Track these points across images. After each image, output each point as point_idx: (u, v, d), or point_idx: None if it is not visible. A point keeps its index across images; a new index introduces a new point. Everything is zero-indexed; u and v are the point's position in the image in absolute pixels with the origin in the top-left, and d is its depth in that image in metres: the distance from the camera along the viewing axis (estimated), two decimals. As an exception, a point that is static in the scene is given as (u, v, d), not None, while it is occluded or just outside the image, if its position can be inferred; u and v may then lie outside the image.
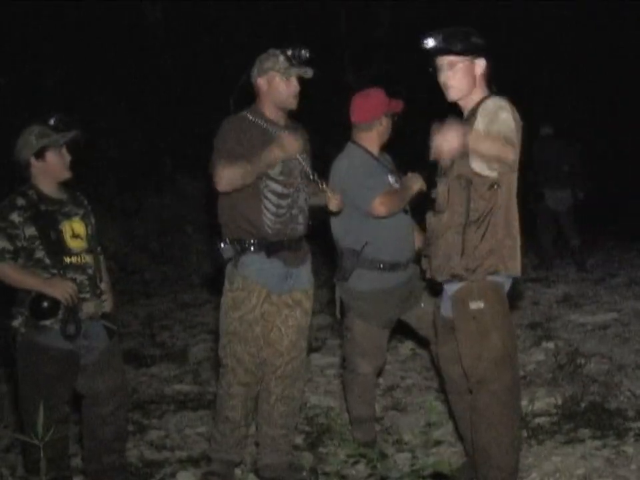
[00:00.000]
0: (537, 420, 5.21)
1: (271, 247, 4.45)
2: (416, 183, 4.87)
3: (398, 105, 4.96)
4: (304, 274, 4.64)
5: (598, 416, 5.12)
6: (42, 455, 3.56)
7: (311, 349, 7.84)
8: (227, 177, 4.29)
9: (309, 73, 4.51)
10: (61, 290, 4.26)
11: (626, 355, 6.69)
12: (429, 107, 4.13)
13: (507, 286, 4.04)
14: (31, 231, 4.28)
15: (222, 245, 4.47)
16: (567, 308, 8.73)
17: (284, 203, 4.48)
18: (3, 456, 5.31)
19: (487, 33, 4.02)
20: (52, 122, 4.41)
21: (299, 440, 5.31)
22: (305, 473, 4.77)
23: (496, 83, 4.03)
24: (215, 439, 4.67)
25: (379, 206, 4.73)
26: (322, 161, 5.02)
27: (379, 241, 4.80)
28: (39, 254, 4.29)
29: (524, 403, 5.51)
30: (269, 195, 4.44)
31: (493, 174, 3.84)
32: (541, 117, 10.99)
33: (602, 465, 4.43)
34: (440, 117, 3.85)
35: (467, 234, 3.91)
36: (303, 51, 4.50)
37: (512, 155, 3.72)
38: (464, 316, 3.95)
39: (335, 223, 4.93)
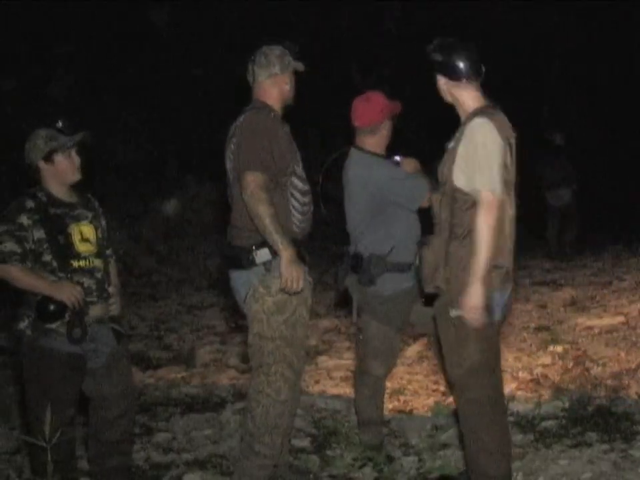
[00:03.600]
0: (544, 423, 5.20)
1: (299, 246, 4.38)
2: (416, 165, 4.98)
3: (397, 107, 5.00)
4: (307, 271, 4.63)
5: (605, 419, 5.10)
6: (49, 457, 3.56)
7: (318, 352, 7.86)
8: (257, 203, 4.20)
9: (302, 67, 4.56)
10: (68, 294, 4.26)
11: (633, 358, 6.68)
12: (434, 107, 4.14)
13: (498, 295, 3.98)
14: (39, 233, 4.28)
15: (255, 249, 4.33)
16: (574, 311, 8.71)
17: (307, 200, 4.46)
18: (9, 458, 5.32)
19: (490, 35, 4.03)
20: (59, 125, 4.41)
21: (305, 443, 5.31)
22: (311, 476, 4.77)
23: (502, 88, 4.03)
24: (257, 455, 4.43)
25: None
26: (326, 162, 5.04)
27: (403, 244, 4.83)
28: (47, 257, 4.29)
29: (531, 406, 5.52)
30: (295, 194, 4.40)
31: (473, 193, 3.86)
32: (551, 125, 12.70)
33: (609, 469, 4.42)
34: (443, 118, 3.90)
35: (450, 247, 3.92)
36: (296, 46, 4.52)
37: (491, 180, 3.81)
38: (444, 323, 3.95)
39: (357, 230, 4.93)
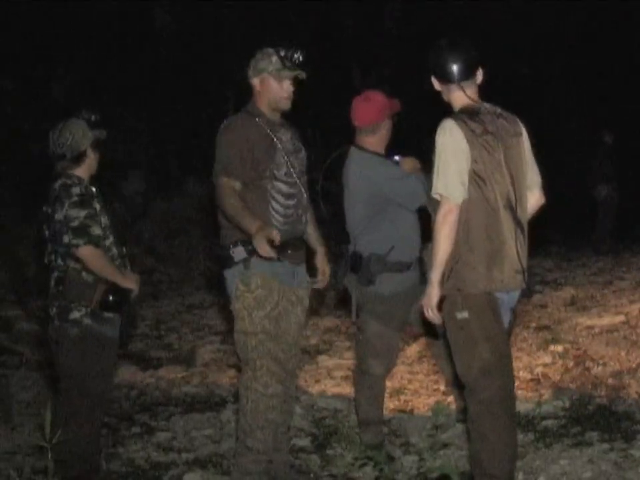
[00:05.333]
0: (545, 423, 5.20)
1: (280, 247, 4.41)
2: (416, 164, 4.98)
3: (397, 105, 5.00)
4: (304, 271, 4.65)
5: (606, 419, 5.10)
6: (50, 456, 3.57)
7: (318, 351, 7.86)
8: (224, 201, 4.33)
9: (302, 75, 4.52)
10: (136, 282, 4.45)
11: (633, 357, 6.68)
12: (435, 107, 4.14)
13: (503, 294, 3.99)
14: (105, 219, 4.39)
15: (232, 247, 4.42)
16: (574, 311, 8.71)
17: (291, 203, 4.49)
18: (10, 457, 5.31)
19: (490, 35, 4.03)
20: (89, 118, 4.47)
21: (306, 442, 5.31)
22: (311, 476, 4.77)
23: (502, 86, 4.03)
24: (250, 450, 4.47)
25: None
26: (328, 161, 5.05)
27: (402, 243, 4.84)
28: (107, 242, 4.39)
29: (531, 405, 5.52)
30: (277, 196, 4.44)
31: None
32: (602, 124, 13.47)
33: (610, 468, 4.42)
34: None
35: None
36: (296, 53, 4.49)
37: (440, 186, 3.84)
38: (452, 326, 3.96)
39: (356, 229, 4.93)
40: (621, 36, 16.96)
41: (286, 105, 4.53)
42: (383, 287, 4.87)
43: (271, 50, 4.50)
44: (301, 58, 4.50)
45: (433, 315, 3.92)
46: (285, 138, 4.53)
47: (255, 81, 4.50)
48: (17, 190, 11.22)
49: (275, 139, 4.47)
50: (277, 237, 4.27)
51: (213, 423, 5.78)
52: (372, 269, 4.84)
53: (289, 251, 4.49)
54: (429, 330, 4.87)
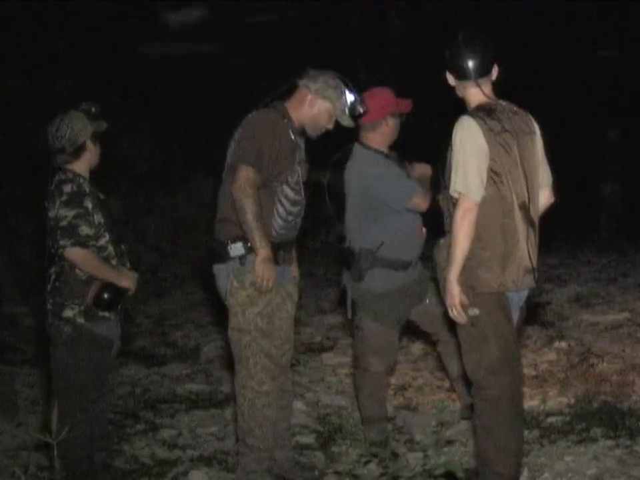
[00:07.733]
0: (549, 419, 5.20)
1: (274, 252, 4.42)
2: (425, 171, 5.00)
3: (406, 105, 4.97)
4: (292, 269, 4.67)
5: (610, 416, 5.10)
6: (55, 453, 3.57)
7: (323, 349, 7.86)
8: (243, 197, 4.28)
9: (351, 124, 4.59)
10: (132, 281, 4.38)
11: (638, 354, 6.68)
12: (441, 105, 4.13)
13: (513, 293, 4.00)
14: (98, 217, 4.29)
15: (230, 243, 4.43)
16: (579, 307, 8.70)
17: (295, 210, 4.51)
18: (15, 454, 5.32)
19: (494, 32, 4.02)
20: (89, 109, 4.38)
21: (310, 439, 5.32)
22: (316, 472, 4.77)
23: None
24: (251, 449, 4.49)
25: (422, 202, 4.85)
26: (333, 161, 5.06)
27: (394, 241, 4.84)
28: (102, 241, 4.30)
29: (536, 402, 5.52)
30: (283, 201, 4.45)
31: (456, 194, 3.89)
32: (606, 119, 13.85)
33: (614, 465, 4.43)
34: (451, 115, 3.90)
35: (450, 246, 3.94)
36: (361, 107, 4.52)
37: (459, 184, 3.83)
38: (463, 322, 3.96)
39: (351, 225, 4.95)
40: (627, 32, 16.94)
41: (316, 134, 4.56)
42: (375, 284, 4.88)
43: (343, 86, 4.50)
44: (361, 111, 4.53)
45: (457, 314, 3.90)
46: (302, 146, 4.55)
47: (313, 98, 4.48)
48: (22, 186, 11.23)
49: (297, 146, 4.48)
50: (273, 277, 4.34)
51: (218, 420, 5.79)
52: (361, 264, 4.85)
53: (282, 253, 4.51)
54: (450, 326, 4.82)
